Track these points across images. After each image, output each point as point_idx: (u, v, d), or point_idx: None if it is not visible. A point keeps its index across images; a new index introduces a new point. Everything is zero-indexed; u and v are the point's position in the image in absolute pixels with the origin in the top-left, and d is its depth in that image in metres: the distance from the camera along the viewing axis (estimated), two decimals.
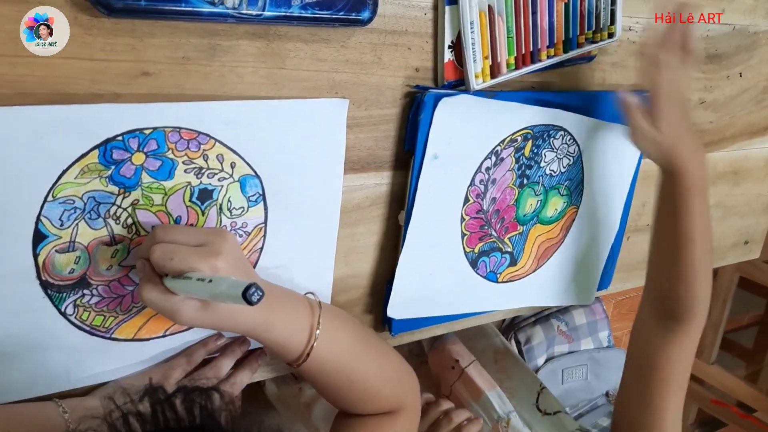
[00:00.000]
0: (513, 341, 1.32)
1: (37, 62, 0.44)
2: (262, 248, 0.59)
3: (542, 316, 1.32)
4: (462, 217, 0.67)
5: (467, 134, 0.63)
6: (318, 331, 0.55)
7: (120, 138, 0.49)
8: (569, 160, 0.73)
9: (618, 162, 0.78)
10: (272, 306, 0.53)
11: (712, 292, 0.70)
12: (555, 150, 0.71)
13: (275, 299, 0.54)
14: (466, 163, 0.65)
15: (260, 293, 0.42)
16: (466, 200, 0.67)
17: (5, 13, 0.42)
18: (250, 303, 0.42)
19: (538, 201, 0.73)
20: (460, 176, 0.65)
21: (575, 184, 0.75)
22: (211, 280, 0.45)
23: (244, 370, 0.61)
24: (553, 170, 0.72)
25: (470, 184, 0.66)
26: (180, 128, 0.51)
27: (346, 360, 0.59)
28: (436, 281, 0.69)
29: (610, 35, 0.68)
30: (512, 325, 1.33)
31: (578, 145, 0.73)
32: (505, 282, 0.75)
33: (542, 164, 0.71)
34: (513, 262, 0.75)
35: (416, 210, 0.63)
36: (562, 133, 0.70)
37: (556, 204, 0.75)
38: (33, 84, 0.44)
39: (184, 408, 0.38)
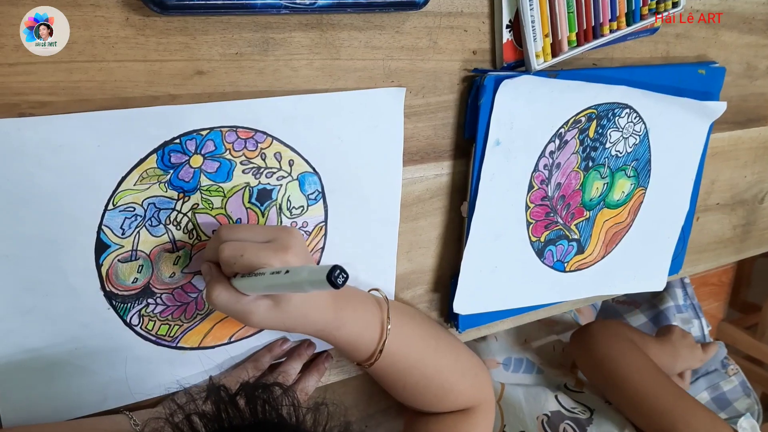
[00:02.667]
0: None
1: (94, 67, 0.43)
2: (323, 247, 0.57)
3: None
4: (527, 205, 0.64)
5: (530, 117, 0.60)
6: (389, 327, 0.53)
7: (177, 141, 0.47)
8: (635, 139, 0.69)
9: (686, 138, 0.73)
10: (341, 303, 0.51)
11: None
12: (620, 129, 0.67)
13: (344, 296, 0.52)
14: (529, 148, 0.62)
15: (345, 275, 0.40)
16: (531, 187, 0.64)
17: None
18: (335, 286, 0.40)
19: (604, 184, 0.69)
20: (523, 162, 0.62)
21: (642, 164, 0.71)
22: (287, 271, 0.43)
23: (311, 375, 0.59)
24: (619, 151, 0.68)
25: (534, 170, 0.63)
26: (237, 127, 0.49)
27: (419, 355, 0.57)
28: (503, 273, 0.66)
29: (674, 5, 0.64)
30: None
31: (644, 123, 0.69)
32: (572, 271, 0.72)
33: (607, 145, 0.67)
34: (580, 250, 0.71)
35: (479, 200, 0.61)
36: (627, 111, 0.66)
37: (623, 186, 0.71)
38: (90, 90, 0.43)
39: (247, 405, 0.37)
